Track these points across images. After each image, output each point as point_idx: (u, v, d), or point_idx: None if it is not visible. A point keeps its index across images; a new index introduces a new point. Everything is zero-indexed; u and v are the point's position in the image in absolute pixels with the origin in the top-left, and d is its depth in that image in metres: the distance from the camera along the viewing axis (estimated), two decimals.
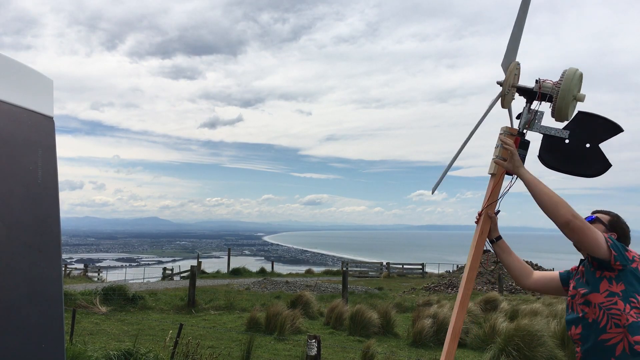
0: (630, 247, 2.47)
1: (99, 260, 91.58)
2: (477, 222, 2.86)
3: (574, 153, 2.77)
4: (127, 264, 75.86)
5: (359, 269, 36.12)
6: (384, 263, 35.39)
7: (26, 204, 1.65)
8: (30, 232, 1.65)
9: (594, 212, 2.65)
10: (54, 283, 1.73)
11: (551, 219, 2.44)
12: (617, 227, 2.55)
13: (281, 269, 41.67)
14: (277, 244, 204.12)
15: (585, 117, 2.77)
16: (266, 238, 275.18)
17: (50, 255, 1.73)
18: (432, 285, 23.35)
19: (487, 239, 2.86)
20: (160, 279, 29.12)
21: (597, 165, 2.77)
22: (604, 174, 2.77)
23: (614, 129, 2.76)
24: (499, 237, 2.87)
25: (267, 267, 30.85)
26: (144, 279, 31.10)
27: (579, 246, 2.49)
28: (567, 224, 2.36)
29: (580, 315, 2.44)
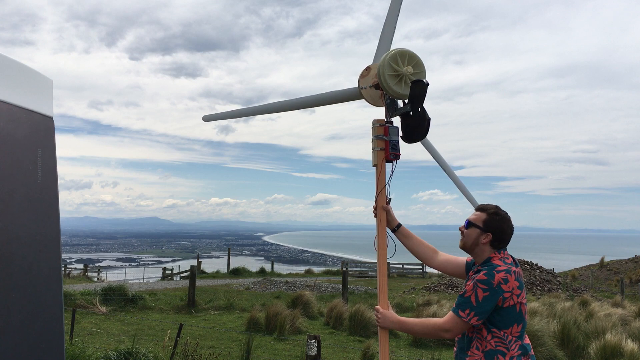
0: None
1: (99, 260, 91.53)
2: (375, 215, 3.07)
3: (416, 121, 2.97)
4: (127, 264, 75.79)
5: (359, 269, 36.09)
6: None
7: (26, 204, 1.65)
8: (30, 232, 1.65)
9: (477, 208, 2.76)
10: (53, 283, 1.73)
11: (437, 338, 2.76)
12: (491, 226, 2.67)
13: (281, 269, 41.64)
14: (277, 244, 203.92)
15: (412, 86, 2.92)
16: (266, 238, 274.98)
17: (50, 255, 1.73)
18: (432, 285, 23.33)
19: (389, 229, 3.07)
20: (160, 279, 29.09)
21: (425, 125, 2.95)
22: (429, 131, 2.98)
23: (423, 86, 2.88)
24: (399, 225, 3.10)
25: (267, 267, 30.80)
26: (143, 279, 31.06)
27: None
28: (446, 337, 2.65)
29: None
